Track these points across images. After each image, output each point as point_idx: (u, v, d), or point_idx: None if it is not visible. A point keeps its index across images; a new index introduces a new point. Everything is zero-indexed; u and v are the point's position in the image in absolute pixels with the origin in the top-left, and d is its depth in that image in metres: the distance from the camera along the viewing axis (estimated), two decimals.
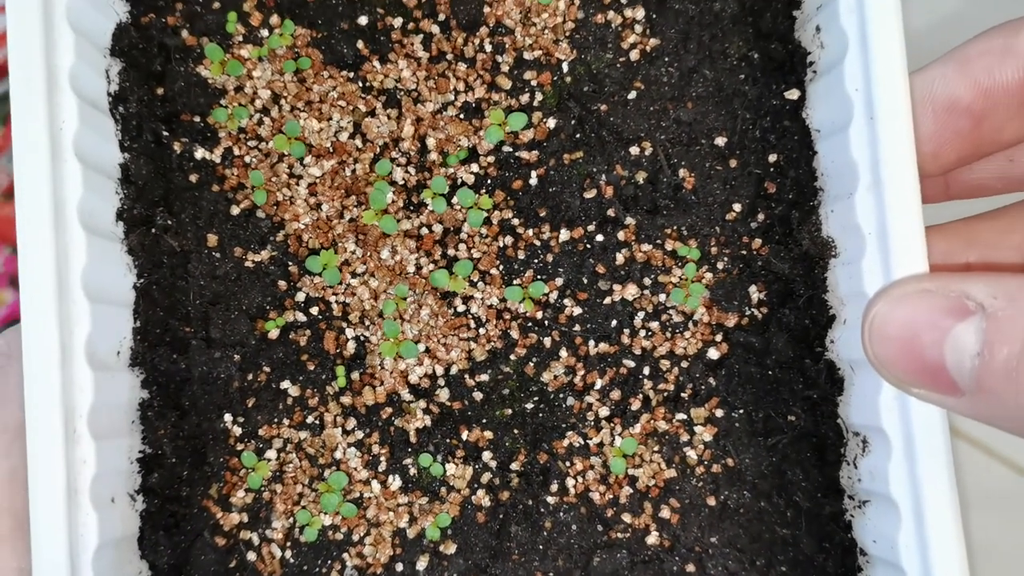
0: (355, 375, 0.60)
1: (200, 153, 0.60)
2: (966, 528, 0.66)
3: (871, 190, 0.52)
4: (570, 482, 0.59)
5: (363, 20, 0.61)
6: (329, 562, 0.59)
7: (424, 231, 0.60)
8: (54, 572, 0.52)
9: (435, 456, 0.59)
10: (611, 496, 0.59)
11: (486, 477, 0.59)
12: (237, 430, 0.60)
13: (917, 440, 0.51)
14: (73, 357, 0.54)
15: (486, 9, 0.61)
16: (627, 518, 0.59)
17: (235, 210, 0.60)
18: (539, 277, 0.60)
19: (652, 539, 0.59)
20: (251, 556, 0.59)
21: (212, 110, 0.60)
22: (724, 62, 0.60)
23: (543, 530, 0.59)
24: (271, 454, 0.60)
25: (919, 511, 0.50)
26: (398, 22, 0.61)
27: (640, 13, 0.61)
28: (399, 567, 0.59)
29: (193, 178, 0.60)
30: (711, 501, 0.59)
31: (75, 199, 0.54)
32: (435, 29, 0.61)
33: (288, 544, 0.59)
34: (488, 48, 0.61)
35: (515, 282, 0.60)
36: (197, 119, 0.61)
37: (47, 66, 0.54)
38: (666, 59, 0.61)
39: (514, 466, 0.59)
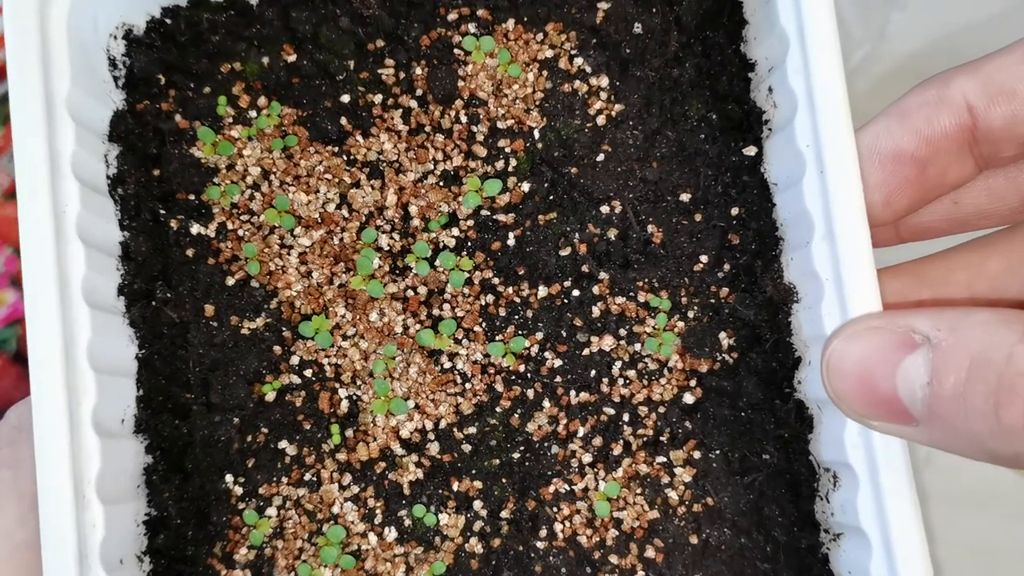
0: (349, 432, 0.63)
1: (196, 229, 0.64)
2: (968, 529, 0.69)
3: (826, 238, 0.55)
4: (558, 527, 0.62)
5: (345, 98, 0.66)
6: None
7: (410, 293, 0.64)
8: None
9: (428, 507, 0.62)
10: (598, 539, 0.62)
11: (478, 525, 0.62)
12: (238, 490, 0.63)
13: (881, 472, 0.54)
14: (81, 426, 0.56)
15: (460, 83, 0.65)
16: (614, 559, 0.62)
17: (230, 281, 0.64)
18: (520, 332, 0.63)
19: None
20: None
21: (206, 188, 0.64)
22: (685, 123, 0.64)
23: (534, 575, 0.61)
24: (271, 511, 0.62)
25: (887, 541, 0.53)
26: (378, 99, 0.66)
27: (604, 81, 0.65)
28: None
29: (190, 252, 0.64)
30: (694, 539, 0.62)
31: (79, 277, 0.58)
32: (413, 104, 0.65)
33: None
34: (463, 119, 0.65)
35: (497, 338, 0.63)
36: (192, 197, 0.64)
37: (50, 154, 0.57)
38: (631, 123, 0.65)
39: (504, 514, 0.62)
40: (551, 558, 0.62)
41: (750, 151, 0.62)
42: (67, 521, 0.55)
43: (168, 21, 0.65)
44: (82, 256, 0.58)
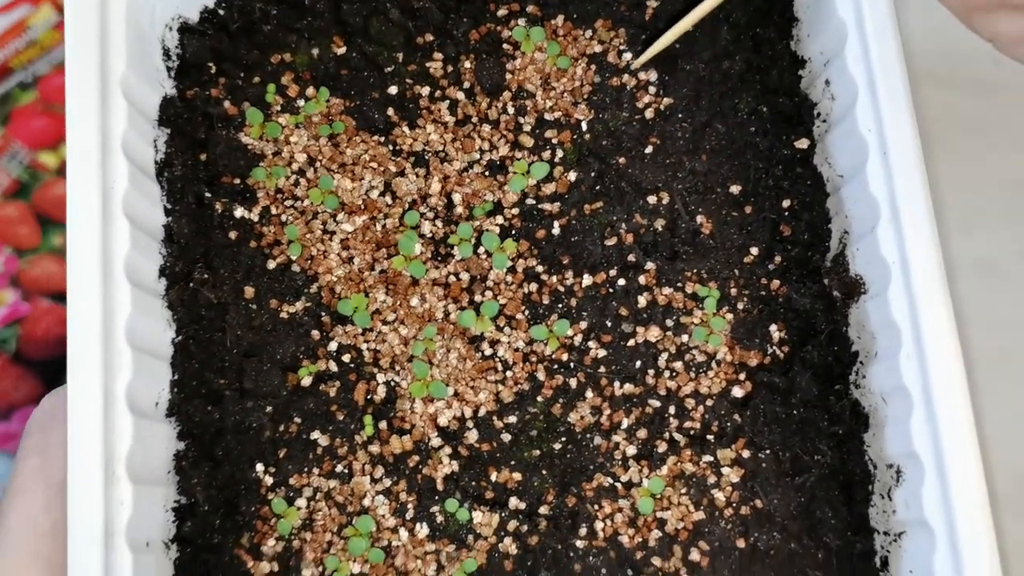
0: (383, 424, 0.61)
1: (239, 212, 0.64)
2: None
3: (891, 221, 0.54)
4: (599, 525, 0.59)
5: (393, 90, 0.66)
6: None
7: (451, 279, 0.63)
8: None
9: (462, 502, 0.60)
10: (640, 539, 0.59)
11: (513, 525, 0.59)
12: (268, 480, 0.61)
13: (947, 459, 0.51)
14: (115, 402, 0.55)
15: (508, 76, 0.65)
16: (657, 561, 0.58)
17: (271, 264, 0.63)
18: (563, 320, 0.62)
19: None
20: None
21: (251, 172, 0.64)
22: (735, 117, 0.64)
23: (572, 575, 0.58)
24: (301, 502, 0.60)
25: (952, 530, 0.50)
26: (426, 91, 0.66)
27: (653, 76, 0.65)
28: None
29: (232, 235, 0.63)
30: (741, 543, 0.58)
31: (122, 254, 0.57)
32: (460, 95, 0.65)
33: None
34: (511, 111, 0.65)
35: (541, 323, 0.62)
36: (237, 181, 0.64)
37: (102, 130, 0.57)
38: (680, 116, 0.64)
39: (543, 510, 0.60)
40: (591, 558, 0.59)
41: (802, 144, 0.61)
42: (95, 496, 0.53)
43: (221, 11, 0.66)
44: (127, 233, 0.57)
